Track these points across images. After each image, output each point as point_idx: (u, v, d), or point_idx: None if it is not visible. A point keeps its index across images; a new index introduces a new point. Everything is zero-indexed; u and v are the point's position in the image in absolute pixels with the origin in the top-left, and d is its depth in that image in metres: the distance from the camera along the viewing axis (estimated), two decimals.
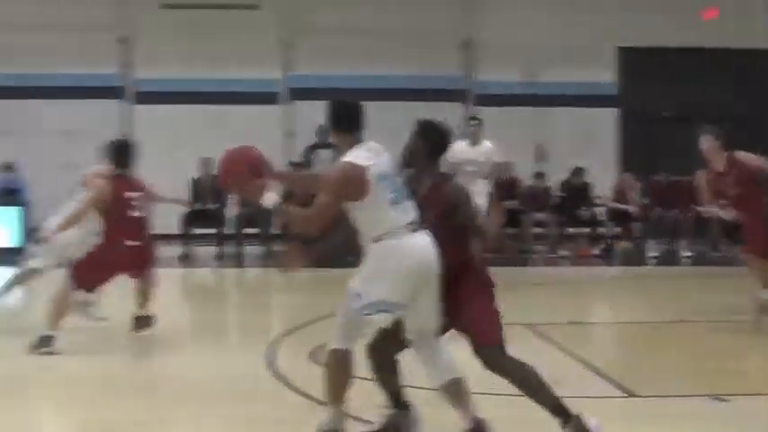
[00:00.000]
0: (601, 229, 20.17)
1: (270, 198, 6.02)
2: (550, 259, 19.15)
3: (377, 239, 6.06)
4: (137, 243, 9.97)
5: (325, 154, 17.96)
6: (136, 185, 10.21)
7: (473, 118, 14.25)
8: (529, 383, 6.23)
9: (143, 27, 21.30)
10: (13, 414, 7.29)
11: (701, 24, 21.21)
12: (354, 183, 6.00)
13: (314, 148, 19.01)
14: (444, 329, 6.28)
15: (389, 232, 6.03)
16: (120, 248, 9.82)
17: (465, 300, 6.25)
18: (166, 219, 19.03)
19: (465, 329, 6.27)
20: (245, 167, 6.15)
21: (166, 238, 19.38)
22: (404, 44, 20.91)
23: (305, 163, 18.79)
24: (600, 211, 20.40)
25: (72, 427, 7.39)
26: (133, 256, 9.96)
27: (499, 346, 6.23)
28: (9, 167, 20.04)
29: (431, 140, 6.51)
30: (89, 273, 9.73)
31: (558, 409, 6.18)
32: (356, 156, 6.12)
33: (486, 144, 13.55)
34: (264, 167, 6.24)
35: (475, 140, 13.48)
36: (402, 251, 6.02)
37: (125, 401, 7.68)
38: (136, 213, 10.00)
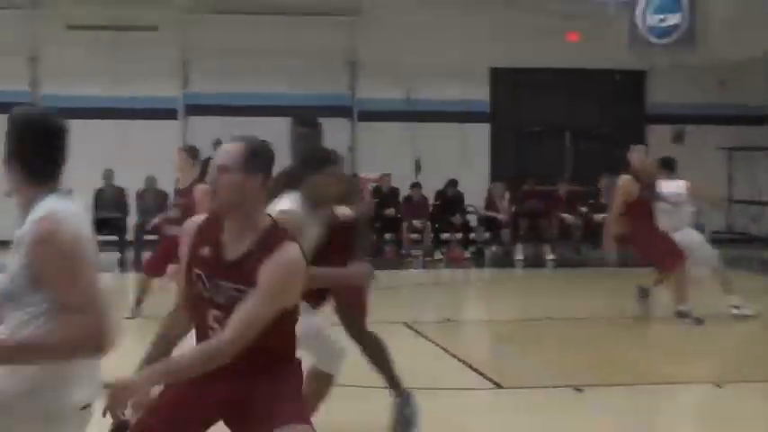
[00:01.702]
0: (472, 235, 21.17)
1: None
2: (427, 262, 19.90)
3: None
4: None
5: None
6: None
7: None
8: (380, 356, 6.80)
9: (50, 47, 21.57)
10: None
11: (566, 47, 22.20)
12: None
13: (209, 161, 19.64)
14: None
15: None
16: None
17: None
18: None
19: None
20: None
21: None
22: (293, 64, 21.51)
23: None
24: (472, 218, 21.44)
25: None
26: None
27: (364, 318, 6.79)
28: None
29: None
30: None
31: (395, 382, 6.83)
32: None
33: None
34: None
35: None
36: None
37: None
38: None
